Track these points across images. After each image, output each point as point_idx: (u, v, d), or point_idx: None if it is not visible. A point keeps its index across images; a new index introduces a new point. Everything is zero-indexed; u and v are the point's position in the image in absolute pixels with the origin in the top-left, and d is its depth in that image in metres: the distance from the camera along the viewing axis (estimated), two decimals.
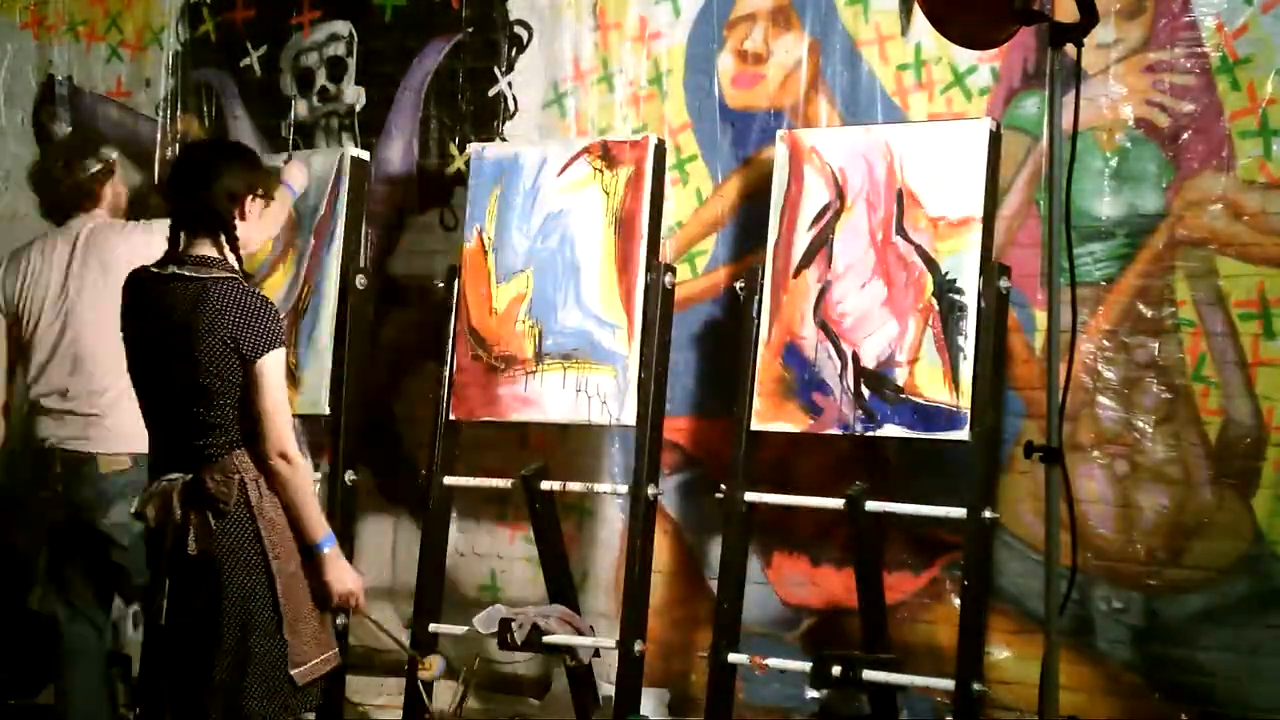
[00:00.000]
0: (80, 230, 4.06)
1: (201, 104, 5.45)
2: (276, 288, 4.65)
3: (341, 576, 3.25)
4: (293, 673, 3.15)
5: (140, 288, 3.27)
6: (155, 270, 3.24)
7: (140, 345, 3.25)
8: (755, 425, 4.06)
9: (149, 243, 3.79)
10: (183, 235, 3.25)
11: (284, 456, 3.15)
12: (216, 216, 3.21)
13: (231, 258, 3.23)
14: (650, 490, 4.14)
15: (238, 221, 3.25)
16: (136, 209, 4.56)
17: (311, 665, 3.19)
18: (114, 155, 4.11)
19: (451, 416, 4.43)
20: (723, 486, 4.11)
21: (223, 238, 3.22)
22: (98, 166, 4.05)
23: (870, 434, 3.94)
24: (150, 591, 3.26)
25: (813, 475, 4.22)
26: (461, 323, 4.46)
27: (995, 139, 3.91)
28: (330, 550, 3.23)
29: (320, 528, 3.22)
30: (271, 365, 3.15)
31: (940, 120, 4.21)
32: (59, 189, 4.08)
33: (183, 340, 3.12)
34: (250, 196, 3.28)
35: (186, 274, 3.17)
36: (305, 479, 3.22)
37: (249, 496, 3.15)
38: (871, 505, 3.88)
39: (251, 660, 3.12)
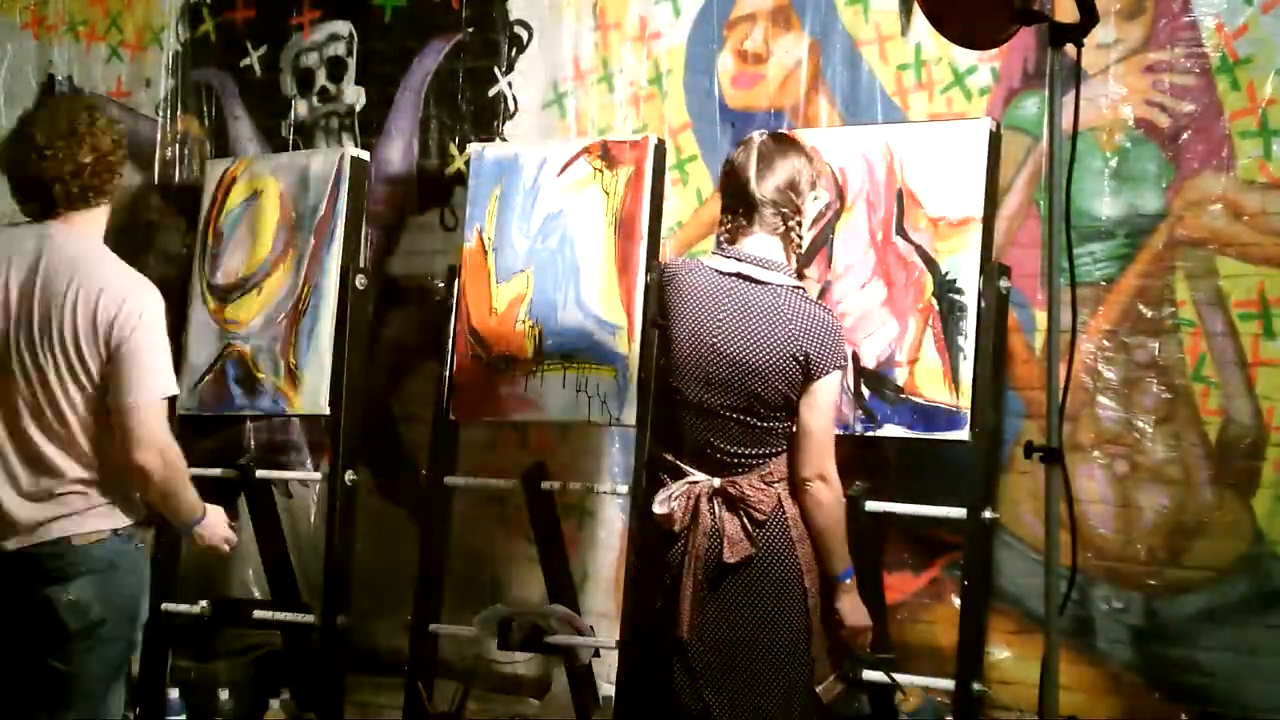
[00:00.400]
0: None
1: (201, 104, 5.45)
2: (276, 288, 4.65)
3: (858, 610, 3.19)
4: (818, 689, 3.12)
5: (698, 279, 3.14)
6: (712, 266, 3.12)
7: (681, 345, 3.12)
8: None
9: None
10: (730, 227, 3.14)
11: (823, 478, 3.08)
12: (780, 213, 3.11)
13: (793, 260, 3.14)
14: None
15: (800, 220, 3.13)
16: (137, 210, 4.57)
17: (827, 684, 3.17)
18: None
19: (451, 416, 4.43)
20: None
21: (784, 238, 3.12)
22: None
23: (870, 434, 3.94)
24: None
25: None
26: (461, 323, 4.46)
27: (995, 139, 3.91)
28: (850, 582, 3.16)
29: (845, 559, 3.14)
30: (831, 386, 3.07)
31: (940, 120, 4.22)
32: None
33: (734, 353, 3.03)
34: (811, 193, 3.17)
35: (751, 275, 3.08)
36: (840, 503, 3.13)
37: (785, 508, 3.05)
38: (871, 505, 3.88)
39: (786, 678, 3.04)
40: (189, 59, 5.46)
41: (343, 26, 5.22)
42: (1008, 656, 4.11)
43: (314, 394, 4.53)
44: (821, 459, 3.08)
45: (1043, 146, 4.08)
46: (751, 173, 3.13)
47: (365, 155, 4.75)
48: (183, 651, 4.71)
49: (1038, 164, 4.12)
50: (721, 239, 3.19)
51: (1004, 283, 3.88)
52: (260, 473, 4.67)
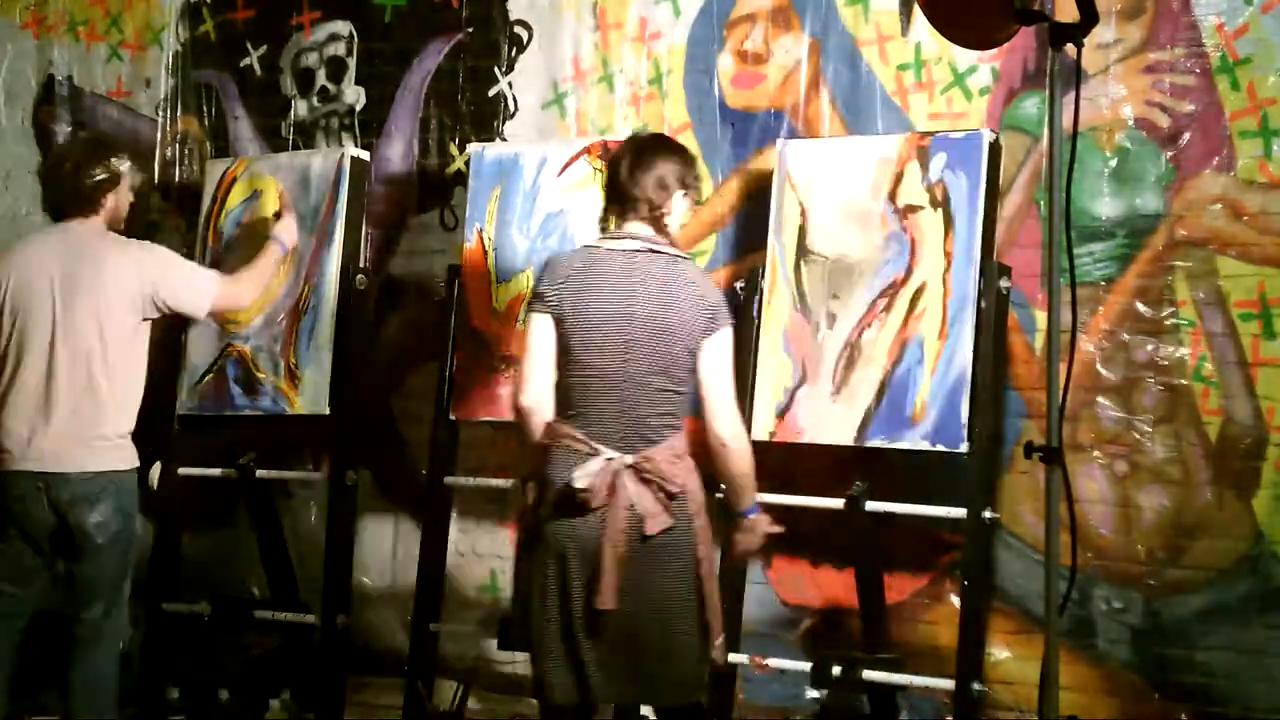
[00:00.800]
0: (71, 235, 3.96)
1: (201, 104, 5.45)
2: (276, 288, 4.65)
3: (751, 538, 3.39)
4: (713, 652, 3.24)
5: (596, 261, 3.26)
6: (610, 247, 3.27)
7: (594, 320, 3.21)
8: (755, 435, 4.07)
9: (141, 260, 3.86)
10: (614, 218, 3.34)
11: (737, 428, 3.26)
12: (651, 207, 3.28)
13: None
14: None
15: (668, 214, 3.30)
16: (138, 212, 4.55)
17: (719, 644, 3.28)
18: (124, 166, 4.01)
19: (451, 416, 4.43)
20: (722, 486, 4.10)
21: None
22: (103, 175, 3.96)
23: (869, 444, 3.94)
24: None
25: (813, 475, 4.21)
26: (461, 323, 4.46)
27: (995, 149, 3.92)
28: (753, 518, 3.36)
29: (754, 498, 3.35)
30: (729, 339, 3.27)
31: (940, 119, 4.22)
32: (61, 190, 4.04)
33: (651, 315, 3.18)
34: (682, 190, 3.32)
35: (651, 248, 3.25)
36: (749, 448, 3.31)
37: (688, 483, 3.20)
38: (871, 505, 3.89)
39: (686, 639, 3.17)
40: (189, 59, 5.46)
41: (343, 26, 5.22)
42: (1008, 656, 4.11)
43: (314, 394, 4.53)
44: (732, 410, 3.26)
45: (1043, 146, 4.08)
46: (625, 169, 3.29)
47: (365, 155, 4.75)
48: (183, 651, 4.70)
49: (1038, 164, 4.12)
50: (608, 227, 3.37)
51: (1004, 283, 3.89)
52: (260, 473, 4.67)
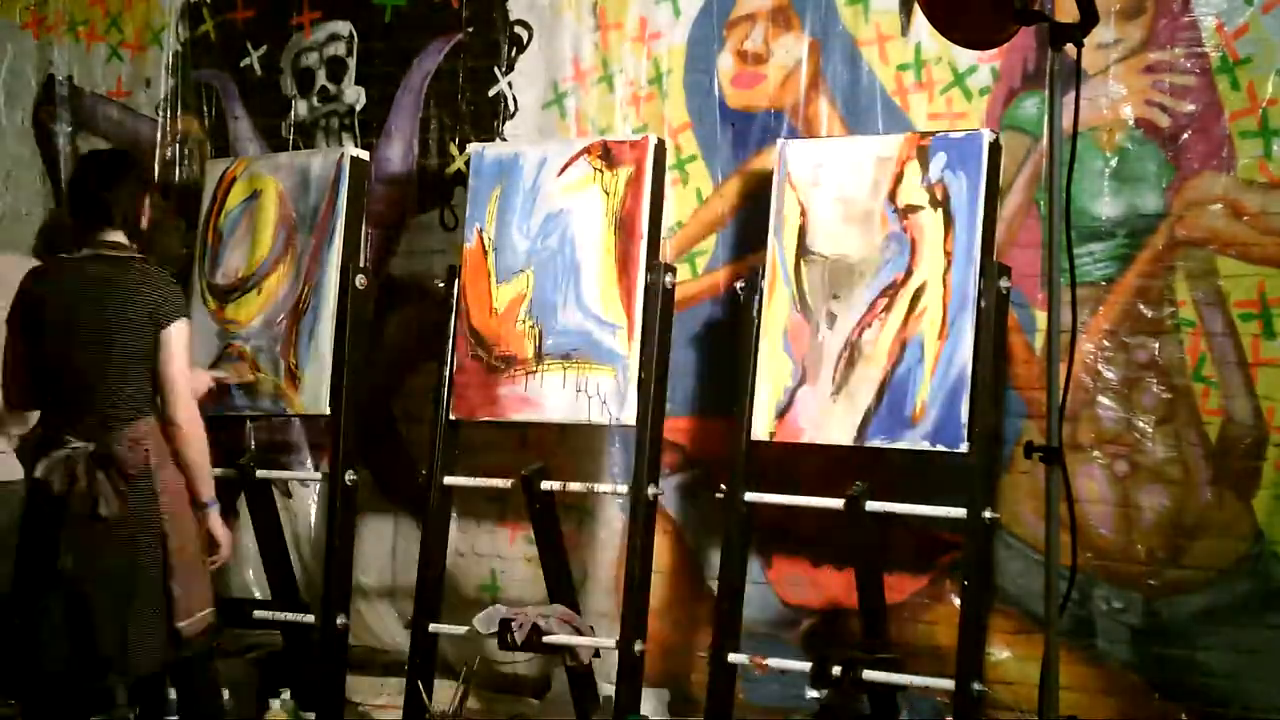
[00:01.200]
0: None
1: (201, 104, 5.45)
2: (276, 288, 4.66)
3: (220, 529, 3.70)
4: (179, 625, 3.52)
5: (49, 271, 3.69)
6: (65, 256, 3.67)
7: (45, 322, 3.57)
8: (755, 435, 4.08)
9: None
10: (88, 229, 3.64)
11: (188, 418, 3.57)
12: (124, 211, 3.65)
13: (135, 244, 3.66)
14: (650, 490, 4.13)
15: (140, 215, 3.70)
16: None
17: (194, 620, 3.57)
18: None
19: (451, 416, 4.43)
20: (723, 486, 4.11)
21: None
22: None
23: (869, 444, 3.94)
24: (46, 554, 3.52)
25: (813, 475, 4.22)
26: (461, 323, 4.46)
27: (995, 149, 3.92)
28: (214, 509, 3.68)
29: (211, 490, 3.67)
30: (180, 332, 3.57)
31: (940, 119, 4.22)
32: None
33: (95, 312, 3.50)
34: (146, 196, 3.72)
35: (103, 254, 3.59)
36: (203, 438, 3.62)
37: (150, 466, 3.52)
38: (871, 505, 3.88)
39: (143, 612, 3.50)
40: (189, 59, 5.46)
41: (343, 26, 5.22)
42: (1008, 656, 4.11)
43: (314, 394, 4.53)
44: (184, 401, 3.59)
45: (1043, 146, 4.08)
46: (93, 181, 3.67)
47: (365, 155, 4.75)
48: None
49: (1038, 164, 4.12)
50: (77, 237, 3.67)
51: (1004, 283, 3.89)
52: (260, 473, 4.67)
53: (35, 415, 3.85)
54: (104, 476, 3.47)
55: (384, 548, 5.01)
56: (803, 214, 4.14)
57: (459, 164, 4.95)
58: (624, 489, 4.25)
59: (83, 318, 3.53)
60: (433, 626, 4.40)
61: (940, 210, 3.94)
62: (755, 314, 4.14)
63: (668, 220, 4.47)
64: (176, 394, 3.55)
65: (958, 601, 4.04)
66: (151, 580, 3.51)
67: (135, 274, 3.56)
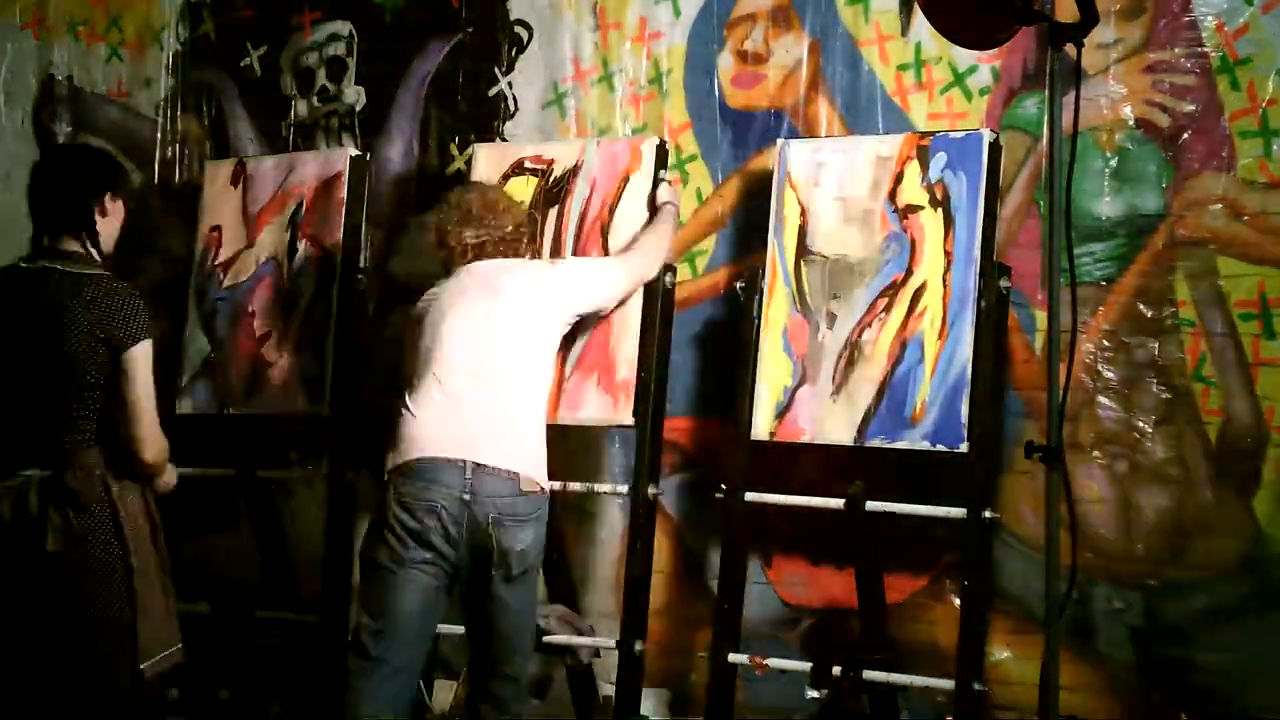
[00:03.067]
0: None
1: (201, 104, 5.44)
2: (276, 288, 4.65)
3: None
4: (142, 666, 3.31)
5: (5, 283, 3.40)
6: (23, 265, 3.39)
7: (22, 332, 3.34)
8: (755, 435, 4.07)
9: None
10: (45, 234, 3.42)
11: (151, 441, 3.34)
12: (79, 215, 3.39)
13: (95, 253, 3.41)
14: (650, 490, 4.13)
15: (98, 219, 3.42)
16: (136, 214, 4.54)
17: (157, 660, 3.35)
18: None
19: None
20: (723, 486, 4.11)
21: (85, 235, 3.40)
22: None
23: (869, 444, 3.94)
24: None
25: (813, 475, 4.22)
26: None
27: (995, 149, 3.92)
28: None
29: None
30: (142, 354, 3.33)
31: (940, 119, 4.22)
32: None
33: (47, 336, 3.28)
34: (109, 195, 3.45)
35: (58, 268, 3.35)
36: (165, 454, 3.41)
37: (110, 492, 3.30)
38: (871, 505, 3.88)
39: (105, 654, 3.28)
40: (189, 59, 5.46)
41: (343, 26, 5.22)
42: (1008, 656, 4.11)
43: (314, 394, 4.52)
44: (148, 421, 3.34)
45: (1043, 146, 4.08)
46: (52, 181, 3.43)
47: (365, 155, 4.75)
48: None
49: (1038, 164, 4.12)
50: (34, 243, 3.45)
51: (1004, 283, 3.89)
52: (260, 473, 4.67)
53: None
54: (54, 508, 3.24)
55: None
56: (803, 214, 4.14)
57: (459, 164, 4.95)
58: (624, 489, 4.25)
59: (33, 342, 3.31)
60: None
61: (940, 210, 3.95)
62: (755, 314, 4.13)
63: None
64: (139, 416, 3.32)
65: (958, 601, 4.04)
66: (119, 617, 3.29)
67: (90, 292, 3.31)
